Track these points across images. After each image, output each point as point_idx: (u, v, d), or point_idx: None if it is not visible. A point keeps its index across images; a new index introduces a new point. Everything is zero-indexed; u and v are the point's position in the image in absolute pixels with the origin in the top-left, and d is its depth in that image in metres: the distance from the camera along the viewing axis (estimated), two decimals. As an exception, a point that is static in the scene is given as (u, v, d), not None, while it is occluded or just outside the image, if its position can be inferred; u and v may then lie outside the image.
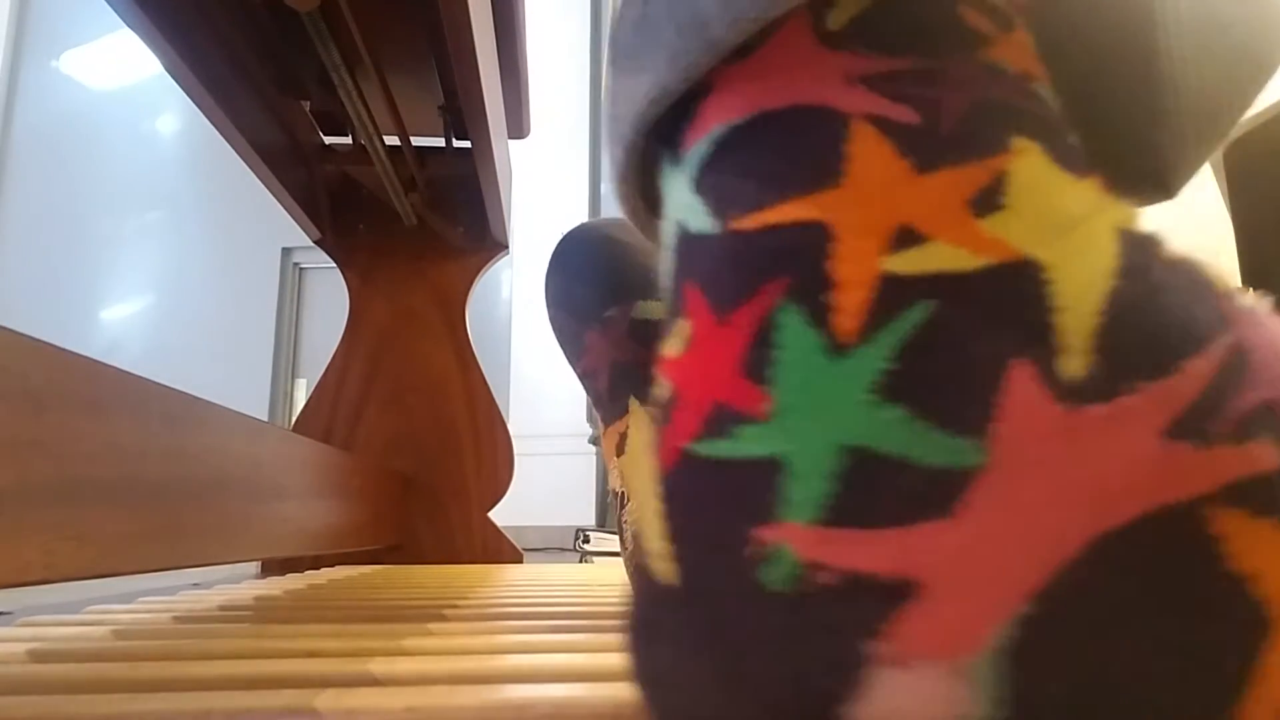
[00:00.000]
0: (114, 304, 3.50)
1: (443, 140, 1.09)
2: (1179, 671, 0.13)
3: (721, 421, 0.16)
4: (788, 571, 0.15)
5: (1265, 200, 1.02)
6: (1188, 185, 0.21)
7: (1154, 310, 0.15)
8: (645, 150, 0.20)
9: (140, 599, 0.57)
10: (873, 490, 0.14)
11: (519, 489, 1.14)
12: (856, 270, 0.15)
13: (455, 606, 0.48)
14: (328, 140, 1.13)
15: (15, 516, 0.29)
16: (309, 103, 1.05)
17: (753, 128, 0.17)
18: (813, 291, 0.15)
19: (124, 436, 0.36)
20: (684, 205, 0.18)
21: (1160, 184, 0.20)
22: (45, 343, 0.31)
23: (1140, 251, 0.15)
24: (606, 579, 0.74)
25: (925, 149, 0.16)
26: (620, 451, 0.41)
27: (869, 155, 0.16)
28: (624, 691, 0.22)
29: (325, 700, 0.21)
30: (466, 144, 0.99)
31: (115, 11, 0.68)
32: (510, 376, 3.21)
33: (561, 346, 0.45)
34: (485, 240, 1.18)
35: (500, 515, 1.13)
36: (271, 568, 1.00)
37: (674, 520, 0.17)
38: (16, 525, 0.29)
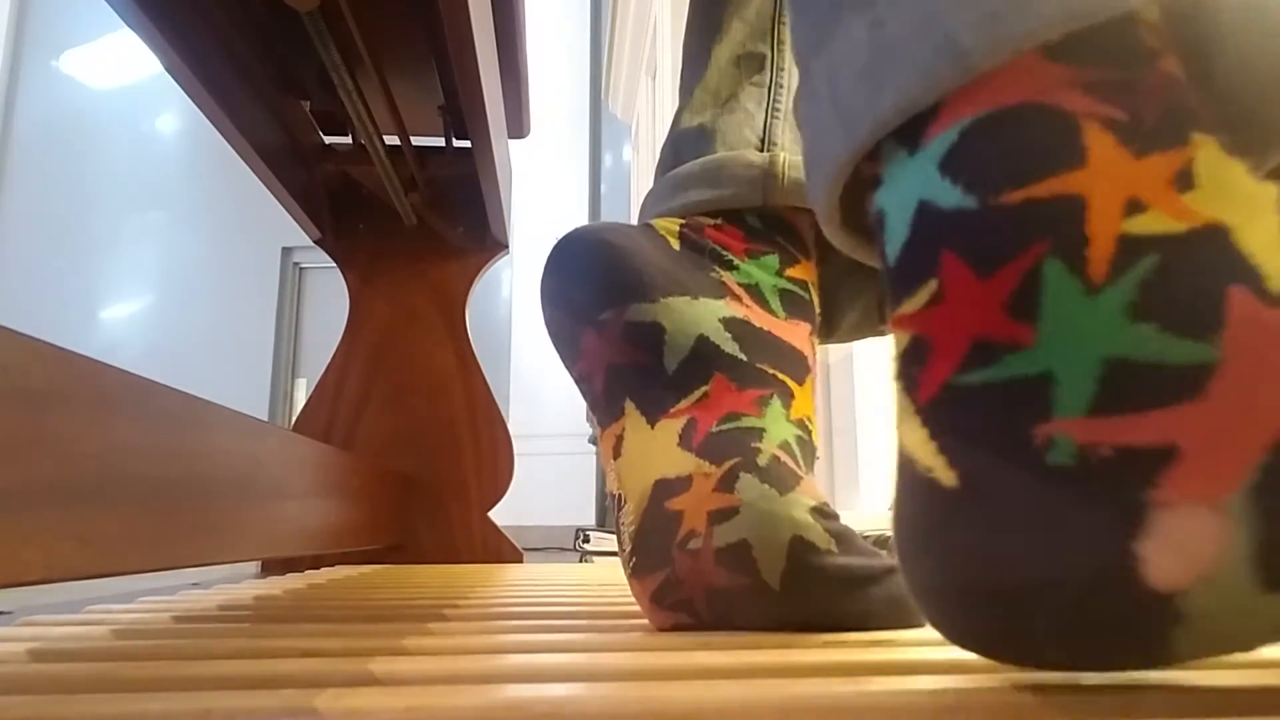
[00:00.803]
0: (114, 304, 3.50)
1: (443, 140, 1.09)
2: None
3: (985, 353, 0.21)
4: (1070, 452, 0.19)
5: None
6: None
7: None
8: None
9: (140, 599, 0.57)
10: (1133, 386, 0.19)
11: (519, 489, 1.14)
12: (1104, 230, 0.20)
13: (455, 606, 0.48)
14: (328, 140, 1.13)
15: (15, 516, 0.29)
16: (309, 103, 1.05)
17: (998, 121, 0.21)
18: (1073, 247, 0.20)
19: (124, 436, 0.36)
20: (928, 187, 0.22)
21: None
22: (45, 343, 0.31)
23: None
24: (606, 579, 0.74)
25: (1138, 139, 0.20)
26: (617, 454, 0.41)
27: (1099, 144, 0.20)
28: (624, 691, 0.22)
29: (325, 700, 0.21)
30: (466, 144, 0.99)
31: (115, 11, 0.68)
32: (510, 376, 3.21)
33: (557, 349, 0.45)
34: (485, 240, 1.18)
35: (500, 515, 1.13)
36: (271, 568, 1.00)
37: (947, 437, 0.21)
38: (16, 525, 0.29)
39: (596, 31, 3.59)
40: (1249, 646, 0.19)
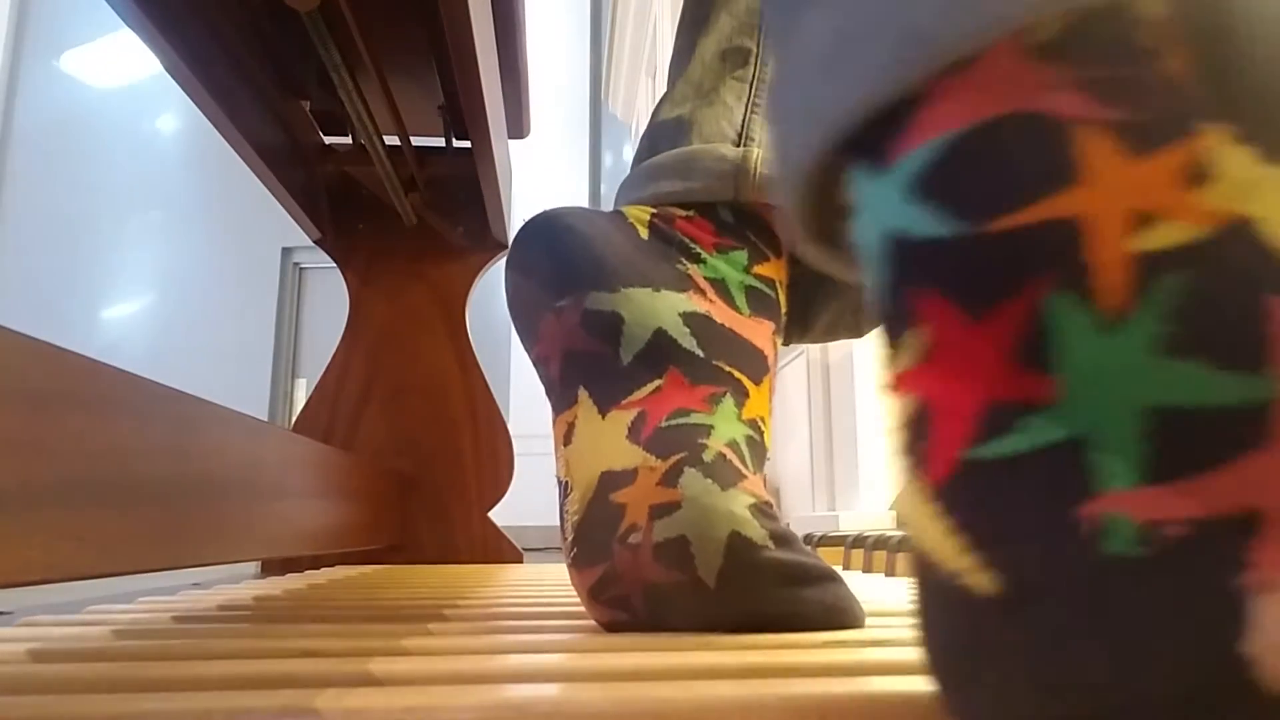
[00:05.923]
0: (114, 304, 3.50)
1: (443, 140, 1.09)
2: None
3: (1003, 418, 0.17)
4: (1131, 536, 0.15)
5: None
6: None
7: None
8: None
9: (140, 599, 0.57)
10: (1187, 440, 0.15)
11: (519, 489, 1.14)
12: (1111, 254, 0.16)
13: (455, 606, 0.48)
14: (328, 140, 1.13)
15: (15, 516, 0.29)
16: (309, 103, 1.05)
17: (982, 135, 0.18)
18: (1077, 278, 0.16)
19: (124, 436, 0.36)
20: (899, 213, 0.19)
21: None
22: (45, 343, 0.31)
23: None
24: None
25: (1139, 137, 0.17)
26: (568, 441, 0.41)
27: (1095, 151, 0.17)
28: (624, 691, 0.22)
29: (325, 700, 0.21)
30: (466, 144, 0.99)
31: (115, 11, 0.68)
32: (510, 376, 3.21)
33: (517, 330, 0.45)
34: (485, 240, 1.18)
35: (500, 515, 1.13)
36: (271, 568, 1.00)
37: (975, 529, 0.17)
38: (16, 525, 0.29)
39: (596, 31, 3.59)
40: None
